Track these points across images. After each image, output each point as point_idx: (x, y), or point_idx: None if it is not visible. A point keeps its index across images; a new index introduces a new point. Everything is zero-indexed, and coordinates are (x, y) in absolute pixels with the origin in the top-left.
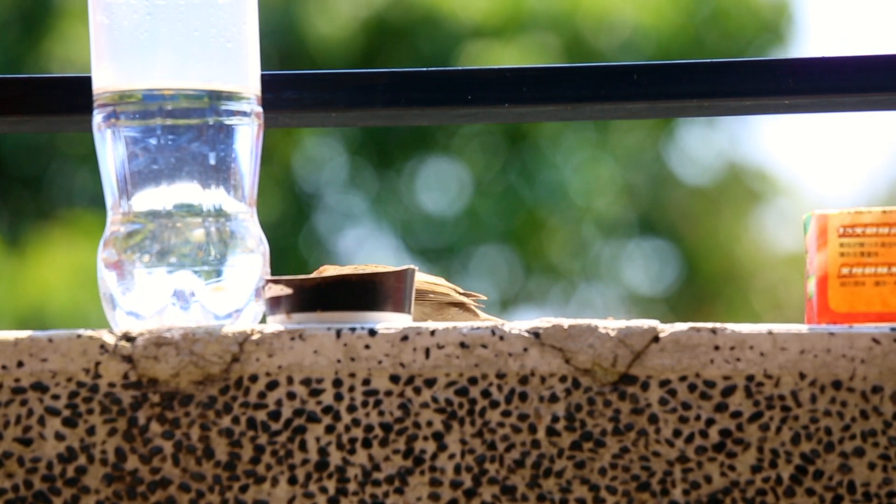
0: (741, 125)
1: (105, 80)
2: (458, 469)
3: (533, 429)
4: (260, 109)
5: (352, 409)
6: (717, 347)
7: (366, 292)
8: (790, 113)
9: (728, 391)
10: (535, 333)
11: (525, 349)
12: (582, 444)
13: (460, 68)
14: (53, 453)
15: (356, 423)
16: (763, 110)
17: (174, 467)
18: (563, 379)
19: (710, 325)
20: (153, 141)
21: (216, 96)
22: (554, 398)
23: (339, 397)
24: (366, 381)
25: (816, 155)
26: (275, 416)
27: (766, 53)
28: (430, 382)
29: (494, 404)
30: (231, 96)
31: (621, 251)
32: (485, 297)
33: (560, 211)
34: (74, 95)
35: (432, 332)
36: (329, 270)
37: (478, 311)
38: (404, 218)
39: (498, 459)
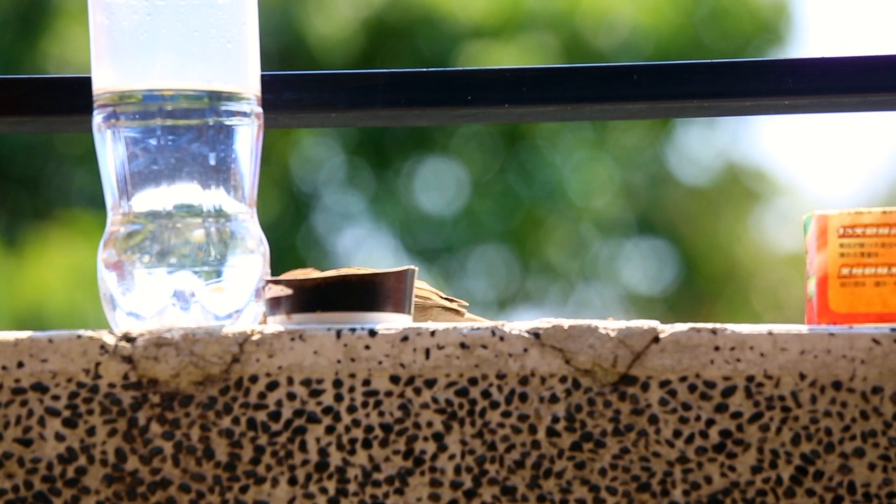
0: (741, 125)
1: (105, 80)
2: (458, 470)
3: (533, 429)
4: (260, 110)
5: (352, 409)
6: (717, 348)
7: (366, 293)
8: (790, 113)
9: (728, 392)
10: (536, 334)
11: (525, 350)
12: (582, 445)
13: (460, 69)
14: (53, 454)
15: (356, 423)
16: (763, 110)
17: (174, 468)
18: (563, 379)
19: (710, 325)
20: (153, 141)
21: (216, 97)
22: (554, 399)
23: (339, 398)
24: (366, 382)
25: (816, 155)
26: (275, 416)
27: (765, 53)
28: (431, 383)
29: (494, 405)
30: (231, 97)
31: (620, 251)
32: (466, 304)
33: (558, 211)
34: (74, 96)
35: (432, 333)
36: (298, 275)
37: (463, 313)
38: (402, 218)
39: (498, 460)
